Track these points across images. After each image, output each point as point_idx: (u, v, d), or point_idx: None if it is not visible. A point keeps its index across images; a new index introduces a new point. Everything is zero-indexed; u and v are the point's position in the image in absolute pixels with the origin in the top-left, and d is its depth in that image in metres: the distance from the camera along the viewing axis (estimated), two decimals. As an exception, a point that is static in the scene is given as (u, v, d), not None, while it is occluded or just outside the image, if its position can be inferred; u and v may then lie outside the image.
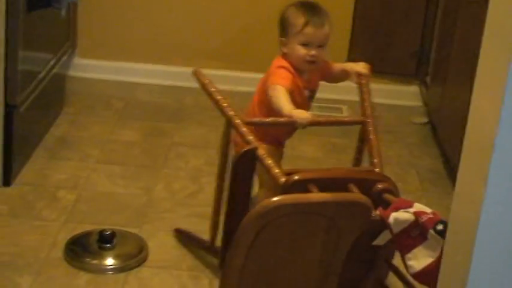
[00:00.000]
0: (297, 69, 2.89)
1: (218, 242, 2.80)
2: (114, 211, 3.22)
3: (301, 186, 2.40)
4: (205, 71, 4.41)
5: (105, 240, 2.91)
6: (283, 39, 2.92)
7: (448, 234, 1.94)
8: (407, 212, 2.27)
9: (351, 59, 4.30)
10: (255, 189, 2.86)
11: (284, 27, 2.91)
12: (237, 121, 2.70)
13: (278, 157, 3.03)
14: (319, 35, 2.86)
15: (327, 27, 2.88)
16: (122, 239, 2.97)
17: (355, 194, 2.34)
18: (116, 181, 3.45)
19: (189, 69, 4.41)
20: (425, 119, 4.30)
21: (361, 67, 2.98)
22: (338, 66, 3.04)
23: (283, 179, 2.43)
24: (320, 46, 2.87)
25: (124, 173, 3.52)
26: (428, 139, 4.12)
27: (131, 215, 3.20)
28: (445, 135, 3.73)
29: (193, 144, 3.85)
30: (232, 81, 4.48)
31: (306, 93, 2.95)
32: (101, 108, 4.16)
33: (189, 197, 3.38)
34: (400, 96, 4.44)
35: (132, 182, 3.46)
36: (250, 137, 2.63)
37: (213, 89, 2.85)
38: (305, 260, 2.35)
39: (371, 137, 2.77)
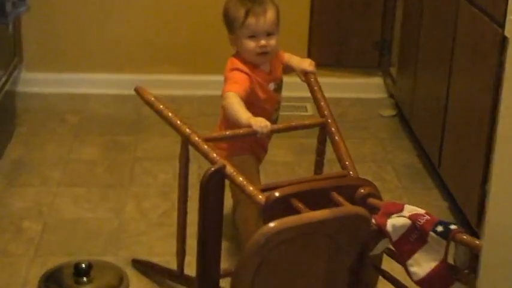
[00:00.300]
0: (254, 65, 2.75)
1: (186, 269, 2.66)
2: (86, 239, 3.01)
3: (284, 202, 2.24)
4: (160, 77, 4.31)
5: (82, 273, 2.68)
6: (231, 36, 2.78)
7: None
8: (402, 216, 2.17)
9: (312, 52, 4.19)
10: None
11: (228, 23, 2.77)
12: (196, 139, 2.50)
13: (256, 165, 2.88)
14: (263, 23, 2.72)
15: (271, 12, 2.74)
16: (99, 270, 2.74)
17: (353, 207, 2.20)
18: (82, 205, 3.24)
19: (142, 76, 4.29)
20: (393, 112, 4.17)
21: (307, 64, 2.84)
22: (286, 57, 2.88)
23: (261, 198, 2.26)
24: (269, 34, 2.73)
25: (89, 195, 3.31)
26: (399, 132, 4.00)
27: (104, 241, 3.00)
28: (420, 128, 3.61)
29: (158, 157, 3.65)
30: (189, 85, 4.31)
31: (272, 86, 2.81)
32: (55, 124, 3.94)
33: (163, 216, 3.19)
34: (364, 89, 4.31)
35: (99, 204, 3.25)
36: (214, 155, 2.44)
37: (161, 107, 2.65)
38: (310, 279, 2.21)
39: (336, 138, 2.64)
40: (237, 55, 2.77)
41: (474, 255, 2.03)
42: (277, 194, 2.23)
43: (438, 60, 3.29)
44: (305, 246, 2.13)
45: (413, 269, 2.14)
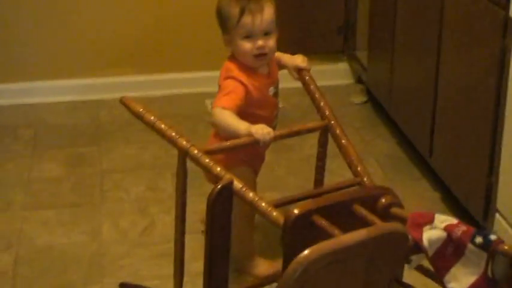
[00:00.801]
0: (251, 68, 2.53)
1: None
2: (65, 268, 2.77)
3: (305, 220, 2.07)
4: (112, 79, 4.06)
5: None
6: (225, 36, 2.55)
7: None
8: (437, 228, 2.02)
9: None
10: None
11: (222, 22, 2.54)
12: (195, 152, 2.29)
13: (254, 179, 2.69)
14: (260, 22, 2.49)
15: (269, 9, 2.51)
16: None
17: (389, 224, 2.02)
18: (54, 229, 2.99)
19: (96, 80, 4.04)
20: (364, 98, 4.01)
21: (300, 61, 2.65)
22: (276, 55, 2.65)
23: (276, 215, 2.09)
24: (267, 34, 2.51)
25: (60, 217, 3.07)
26: (373, 119, 3.86)
27: (86, 269, 2.76)
28: (401, 115, 3.45)
29: (127, 168, 3.42)
30: (144, 86, 4.08)
31: (271, 90, 2.60)
32: (9, 140, 3.66)
33: (144, 234, 2.97)
34: (331, 75, 4.12)
35: (72, 227, 3.01)
36: (218, 169, 2.24)
37: (152, 118, 2.42)
38: None
39: (343, 141, 2.46)
40: (232, 58, 2.55)
41: None
42: (296, 212, 2.05)
43: (422, 43, 3.13)
44: (342, 270, 1.96)
45: (451, 285, 2.00)
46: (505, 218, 2.56)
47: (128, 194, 3.22)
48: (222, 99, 2.46)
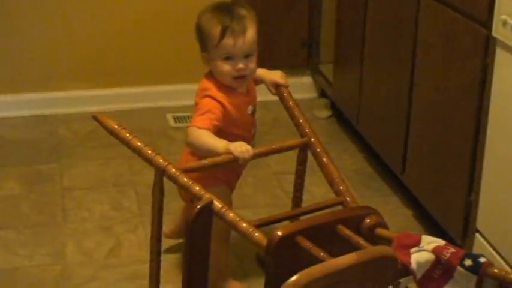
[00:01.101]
0: (230, 87, 2.45)
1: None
2: (28, 293, 2.65)
3: (289, 241, 2.02)
4: (75, 93, 3.94)
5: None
6: (204, 54, 2.45)
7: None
8: (425, 250, 2.00)
9: None
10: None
11: (201, 39, 2.45)
12: (173, 171, 2.24)
13: (230, 198, 2.61)
14: (242, 45, 2.40)
15: (251, 30, 2.42)
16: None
17: (380, 248, 1.97)
18: (15, 251, 2.86)
19: (55, 94, 3.92)
20: (329, 112, 3.96)
21: (278, 76, 2.61)
22: None
23: (258, 236, 2.04)
24: (248, 56, 2.43)
25: (21, 238, 2.94)
26: (338, 134, 3.81)
27: (50, 294, 2.65)
28: (370, 130, 3.40)
29: (88, 185, 3.30)
30: (101, 100, 3.97)
31: (250, 109, 2.53)
32: (-37, 158, 3.52)
33: (110, 256, 2.86)
34: (295, 89, 3.93)
35: (34, 248, 2.88)
36: (197, 188, 2.18)
37: (127, 135, 2.37)
38: None
39: (324, 160, 2.43)
40: (210, 76, 2.46)
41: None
42: (280, 233, 2.01)
43: (395, 58, 3.08)
44: None
45: None
46: (485, 238, 2.51)
47: (91, 213, 3.11)
48: (198, 118, 2.38)
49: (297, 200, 2.62)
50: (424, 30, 2.83)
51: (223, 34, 2.37)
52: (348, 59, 3.59)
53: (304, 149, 2.52)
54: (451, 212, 2.72)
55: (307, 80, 4.15)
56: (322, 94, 4.08)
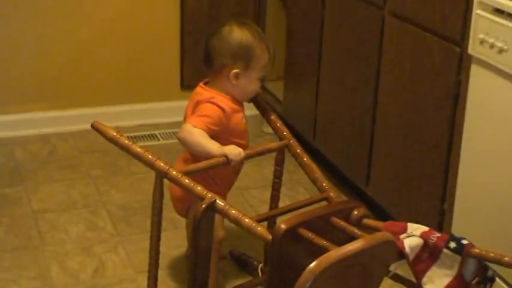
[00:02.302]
0: (235, 100, 2.60)
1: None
2: (23, 316, 2.64)
3: (293, 233, 2.14)
4: (30, 115, 3.90)
5: None
6: (238, 71, 2.55)
7: None
8: (413, 236, 2.17)
9: (184, 74, 4.09)
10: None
11: (245, 57, 2.55)
12: (174, 173, 2.32)
13: None
14: None
15: None
16: None
17: (382, 234, 2.10)
18: (0, 275, 2.83)
19: (9, 117, 3.87)
20: (276, 128, 4.03)
21: None
22: None
23: (261, 230, 2.15)
24: None
25: (3, 262, 2.91)
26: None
27: (45, 316, 2.65)
28: (327, 144, 3.50)
29: (59, 208, 3.29)
30: (60, 121, 3.96)
31: (243, 118, 2.67)
32: None
33: (96, 276, 2.87)
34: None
35: (19, 272, 2.86)
36: (199, 188, 2.28)
37: (126, 142, 2.42)
38: None
39: (305, 160, 2.60)
40: (212, 86, 2.59)
41: (482, 266, 2.10)
42: (284, 226, 2.12)
43: (357, 76, 3.17)
44: (343, 277, 2.03)
45: (427, 287, 2.14)
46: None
47: (67, 234, 3.10)
48: (196, 119, 2.50)
49: (274, 197, 2.74)
50: (389, 49, 2.94)
51: (270, 59, 2.57)
52: (302, 77, 3.67)
53: (281, 151, 2.65)
54: (425, 221, 2.83)
55: (253, 97, 4.21)
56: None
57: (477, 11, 2.43)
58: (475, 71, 2.49)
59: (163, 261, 2.74)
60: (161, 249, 2.43)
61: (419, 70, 2.77)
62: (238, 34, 2.54)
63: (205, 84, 2.62)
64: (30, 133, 3.89)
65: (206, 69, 2.62)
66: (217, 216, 2.54)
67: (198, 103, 2.55)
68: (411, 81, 2.82)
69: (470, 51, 2.48)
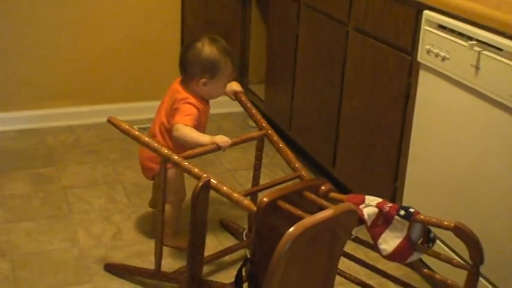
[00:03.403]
0: (204, 99, 2.65)
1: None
2: (57, 270, 2.63)
3: (272, 205, 2.16)
4: (58, 110, 3.87)
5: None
6: (206, 80, 2.61)
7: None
8: (370, 206, 2.20)
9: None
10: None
11: (211, 69, 2.60)
12: (176, 158, 2.37)
13: None
14: None
15: None
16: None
17: (346, 204, 2.10)
18: (37, 238, 2.83)
19: (41, 111, 3.86)
20: (259, 122, 4.04)
21: (235, 85, 2.78)
22: None
23: (248, 203, 2.18)
24: None
25: (39, 228, 2.90)
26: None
27: (74, 270, 2.64)
28: (300, 133, 3.50)
29: (84, 184, 3.28)
30: (86, 115, 3.94)
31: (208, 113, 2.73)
32: (-27, 165, 3.41)
33: (115, 239, 2.86)
34: (230, 104, 4.06)
35: (52, 235, 2.85)
36: (196, 170, 2.30)
37: (137, 133, 2.46)
38: (315, 272, 2.12)
39: (281, 145, 2.62)
40: (186, 88, 2.63)
41: (426, 229, 2.13)
42: (266, 199, 2.14)
43: (325, 79, 3.18)
44: (315, 240, 2.04)
45: (382, 247, 2.16)
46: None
47: (91, 205, 3.09)
48: (183, 118, 2.54)
49: (256, 177, 2.76)
50: (352, 57, 2.94)
51: (234, 69, 2.63)
52: (280, 80, 3.67)
53: (261, 139, 2.69)
54: (381, 195, 2.83)
55: (239, 96, 4.21)
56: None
57: (425, 27, 2.45)
58: (422, 75, 2.51)
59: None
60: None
61: (377, 74, 2.78)
62: (207, 50, 2.60)
63: (181, 81, 2.67)
64: (59, 124, 3.87)
65: (180, 74, 2.68)
66: (181, 177, 2.66)
67: (176, 100, 2.60)
68: (370, 83, 2.84)
69: (419, 59, 2.50)
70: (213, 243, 2.82)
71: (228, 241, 2.87)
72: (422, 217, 2.11)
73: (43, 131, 3.80)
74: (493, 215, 2.26)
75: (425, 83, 2.50)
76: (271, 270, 1.95)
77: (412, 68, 2.58)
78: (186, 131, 2.51)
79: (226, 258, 2.70)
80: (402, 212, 2.13)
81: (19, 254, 2.71)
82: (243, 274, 2.24)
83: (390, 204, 2.16)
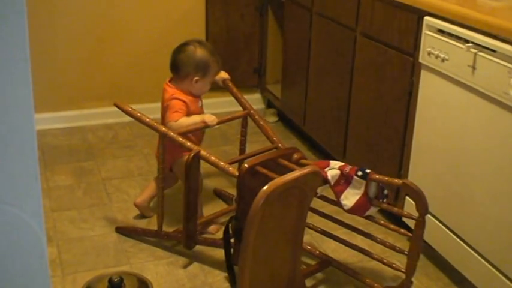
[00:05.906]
0: (192, 94, 2.68)
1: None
2: (98, 254, 2.63)
3: (252, 170, 2.27)
4: (96, 110, 3.88)
5: (115, 286, 2.31)
6: (198, 78, 2.65)
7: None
8: (333, 168, 2.31)
9: None
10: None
11: (203, 68, 2.66)
12: (172, 134, 2.49)
13: None
14: None
15: None
16: (128, 280, 2.38)
17: (313, 166, 2.20)
18: (80, 225, 2.83)
19: (82, 111, 3.87)
20: (276, 118, 4.04)
21: (223, 74, 2.86)
22: None
23: (233, 170, 2.32)
24: None
25: (82, 215, 2.90)
26: (286, 133, 3.86)
27: (114, 254, 2.64)
28: (313, 128, 3.48)
29: (121, 176, 3.28)
30: (120, 114, 3.88)
31: (200, 103, 2.74)
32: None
33: (150, 224, 2.85)
34: (250, 103, 4.11)
35: (94, 222, 2.86)
36: (189, 144, 2.45)
37: (139, 114, 2.57)
38: (286, 224, 2.18)
39: (261, 123, 2.75)
40: (173, 86, 2.66)
41: (380, 187, 2.25)
42: (246, 165, 2.26)
43: (335, 79, 3.16)
44: (286, 196, 2.10)
45: (344, 202, 2.29)
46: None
47: (128, 195, 3.09)
48: (174, 115, 2.61)
49: (242, 150, 2.86)
50: (360, 59, 2.92)
51: (219, 68, 2.70)
52: (294, 80, 3.64)
53: (245, 118, 2.78)
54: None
55: (257, 96, 4.19)
56: (269, 105, 4.15)
57: (425, 31, 2.43)
58: (424, 74, 2.48)
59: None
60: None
61: (382, 74, 2.76)
62: (200, 52, 2.64)
63: (170, 81, 2.69)
64: (98, 123, 3.88)
65: (173, 74, 2.69)
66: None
67: (165, 100, 2.64)
68: (376, 82, 2.81)
69: (420, 60, 2.48)
70: (209, 208, 2.87)
71: (221, 206, 2.93)
72: (377, 176, 2.22)
73: (84, 128, 3.81)
74: (488, 198, 2.23)
75: (427, 81, 2.47)
76: (249, 221, 2.04)
77: (414, 69, 2.55)
78: (179, 123, 2.57)
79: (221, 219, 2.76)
80: (360, 173, 2.24)
81: (64, 239, 2.71)
82: (230, 229, 2.33)
83: (350, 167, 2.27)
